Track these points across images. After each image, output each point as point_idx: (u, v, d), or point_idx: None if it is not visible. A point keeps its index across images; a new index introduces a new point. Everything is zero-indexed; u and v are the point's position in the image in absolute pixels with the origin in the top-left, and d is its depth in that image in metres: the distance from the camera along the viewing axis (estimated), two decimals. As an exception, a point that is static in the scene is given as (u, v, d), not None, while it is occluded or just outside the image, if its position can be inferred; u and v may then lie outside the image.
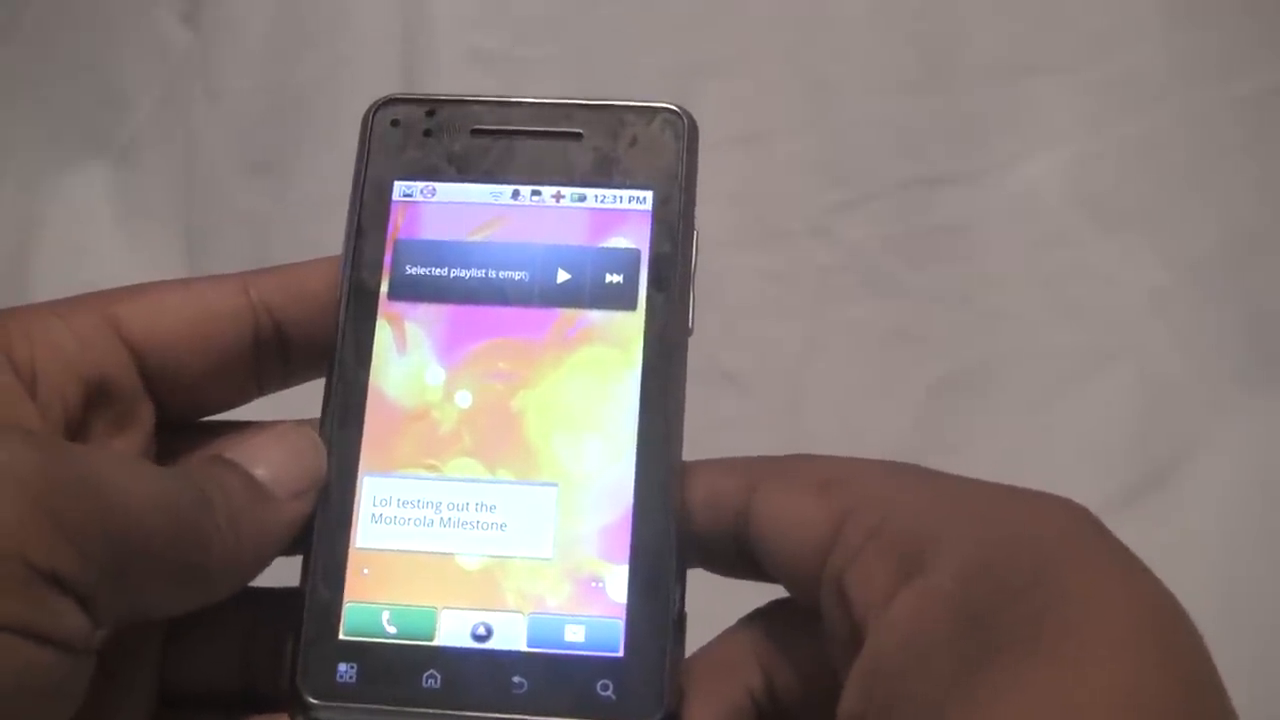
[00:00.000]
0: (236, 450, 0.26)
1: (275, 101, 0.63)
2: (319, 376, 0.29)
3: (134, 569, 0.23)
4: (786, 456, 0.28)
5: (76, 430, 0.26)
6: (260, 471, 0.26)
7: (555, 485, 0.28)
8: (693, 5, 0.61)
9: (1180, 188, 0.56)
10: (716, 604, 0.28)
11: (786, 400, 0.56)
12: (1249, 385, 0.54)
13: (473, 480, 0.28)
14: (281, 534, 0.26)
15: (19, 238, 0.64)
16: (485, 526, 0.28)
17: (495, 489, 0.28)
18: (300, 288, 0.29)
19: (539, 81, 0.61)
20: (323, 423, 0.29)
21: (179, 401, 0.28)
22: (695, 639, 0.28)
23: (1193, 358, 0.54)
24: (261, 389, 0.30)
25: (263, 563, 0.26)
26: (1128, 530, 0.59)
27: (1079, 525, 0.24)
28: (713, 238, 0.59)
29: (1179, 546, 0.52)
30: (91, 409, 0.27)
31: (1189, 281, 0.55)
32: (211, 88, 0.64)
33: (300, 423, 0.28)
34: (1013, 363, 0.55)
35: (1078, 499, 0.58)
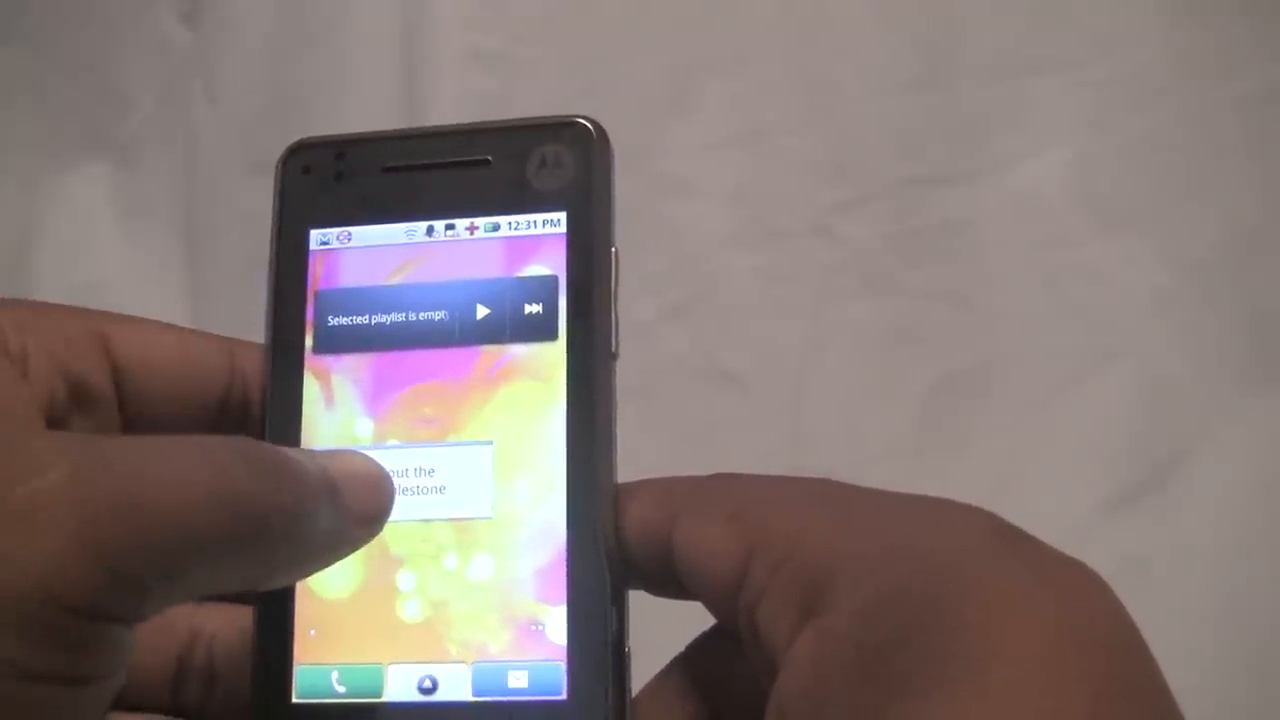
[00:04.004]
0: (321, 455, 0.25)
1: (275, 101, 0.63)
2: None
3: (187, 573, 0.22)
4: (708, 479, 0.27)
5: (60, 423, 0.26)
6: (341, 485, 0.25)
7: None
8: (693, 5, 0.61)
9: (1180, 188, 0.56)
10: (665, 628, 0.28)
11: (786, 400, 0.56)
12: (1249, 385, 0.54)
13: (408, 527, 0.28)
14: (341, 552, 0.25)
15: (19, 238, 0.64)
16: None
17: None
18: None
19: (539, 81, 0.61)
20: None
21: (142, 431, 0.28)
22: (650, 664, 0.28)
23: (1193, 358, 0.54)
24: None
25: (321, 567, 0.25)
26: (1127, 531, 0.59)
27: (981, 539, 0.23)
28: (713, 237, 0.59)
29: (1179, 546, 0.52)
30: (73, 406, 0.27)
31: (1189, 281, 0.55)
32: (211, 88, 0.64)
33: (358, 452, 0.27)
34: (1013, 363, 0.55)
35: (1078, 499, 0.58)
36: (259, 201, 0.61)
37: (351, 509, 0.25)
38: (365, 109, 0.61)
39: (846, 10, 0.60)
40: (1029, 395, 0.55)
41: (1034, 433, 0.54)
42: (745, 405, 0.56)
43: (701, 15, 0.61)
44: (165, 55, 0.65)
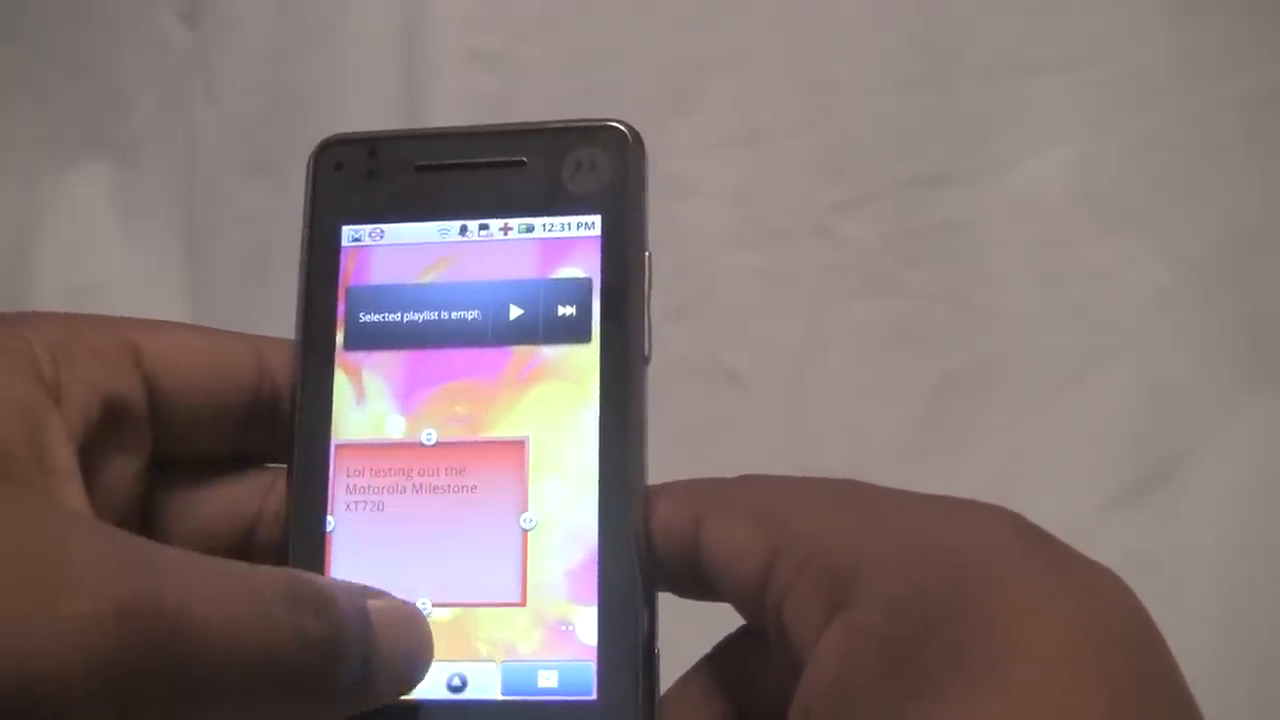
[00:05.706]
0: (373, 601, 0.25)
1: (275, 101, 0.63)
2: None
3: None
4: (732, 481, 0.27)
5: (93, 447, 0.26)
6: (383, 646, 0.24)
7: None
8: (693, 5, 0.61)
9: (1180, 188, 0.56)
10: (693, 629, 0.28)
11: (787, 400, 0.56)
12: (1250, 385, 0.54)
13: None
14: (361, 709, 0.24)
15: (19, 238, 0.64)
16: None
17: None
18: None
19: (539, 81, 0.61)
20: (288, 480, 0.29)
21: (171, 437, 0.28)
22: (677, 664, 0.28)
23: (1193, 357, 0.54)
24: (243, 446, 0.29)
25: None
26: (1128, 530, 0.59)
27: (1004, 539, 0.23)
28: (713, 237, 0.59)
29: (1180, 546, 0.52)
30: (106, 425, 0.26)
31: (1190, 281, 0.55)
32: (211, 88, 0.64)
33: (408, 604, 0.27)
34: (1013, 363, 0.55)
35: (1079, 498, 0.58)
36: (259, 201, 0.62)
37: (384, 669, 0.24)
38: (365, 109, 0.61)
39: (846, 10, 0.60)
40: (1030, 395, 0.55)
41: (1035, 432, 0.54)
42: (746, 405, 0.56)
43: (701, 15, 0.61)
44: (165, 55, 0.65)
